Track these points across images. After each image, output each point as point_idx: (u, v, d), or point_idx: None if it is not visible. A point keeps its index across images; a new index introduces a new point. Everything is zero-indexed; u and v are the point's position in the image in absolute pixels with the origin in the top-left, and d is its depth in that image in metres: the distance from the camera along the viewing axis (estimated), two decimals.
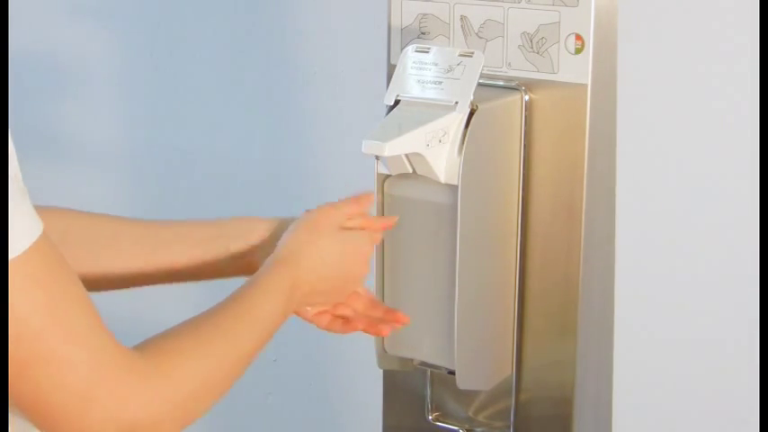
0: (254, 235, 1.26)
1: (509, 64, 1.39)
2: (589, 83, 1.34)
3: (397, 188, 1.37)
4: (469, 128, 1.31)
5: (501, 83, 1.39)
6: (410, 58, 1.35)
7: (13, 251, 0.86)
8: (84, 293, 0.93)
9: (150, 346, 0.99)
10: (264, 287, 1.14)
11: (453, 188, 1.32)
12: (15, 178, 0.88)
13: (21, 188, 0.88)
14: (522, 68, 1.38)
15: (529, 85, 1.38)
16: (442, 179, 1.32)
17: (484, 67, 1.32)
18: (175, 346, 1.01)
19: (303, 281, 1.17)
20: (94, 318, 0.93)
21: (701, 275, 1.84)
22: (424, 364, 1.45)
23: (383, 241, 1.38)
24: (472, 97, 1.30)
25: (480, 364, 1.42)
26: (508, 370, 1.45)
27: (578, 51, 1.34)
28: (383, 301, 1.40)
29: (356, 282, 1.23)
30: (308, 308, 1.24)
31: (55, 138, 2.39)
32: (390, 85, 1.36)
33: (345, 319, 1.25)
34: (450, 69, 1.32)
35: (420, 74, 1.34)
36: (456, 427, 1.53)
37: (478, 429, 1.52)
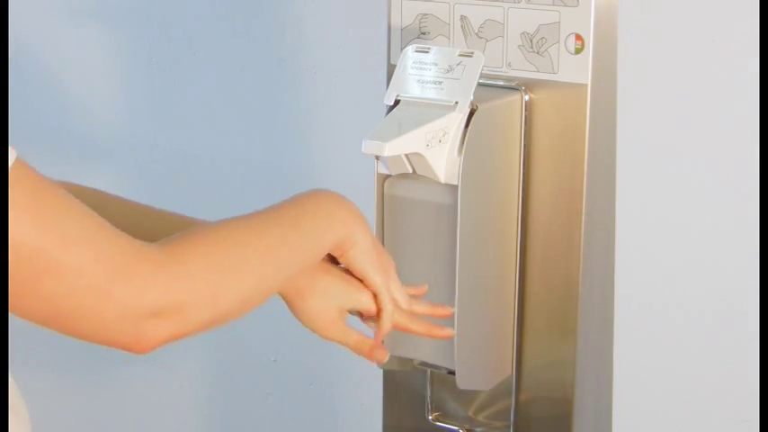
0: None
1: (509, 64, 1.39)
2: (589, 83, 1.34)
3: (397, 188, 1.37)
4: (469, 128, 1.31)
5: (501, 83, 1.39)
6: (410, 58, 1.35)
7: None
8: (76, 203, 0.92)
9: (165, 239, 0.98)
10: (307, 204, 1.12)
11: (453, 188, 1.32)
12: None
13: None
14: (522, 68, 1.38)
15: (529, 85, 1.38)
16: (442, 179, 1.32)
17: (484, 67, 1.32)
18: (193, 234, 1.00)
19: (353, 208, 1.14)
20: (93, 221, 0.92)
21: (701, 275, 1.84)
22: (424, 364, 1.45)
23: (383, 241, 1.38)
24: (472, 97, 1.30)
25: (480, 364, 1.42)
26: (508, 370, 1.45)
27: (578, 51, 1.34)
28: None
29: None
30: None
31: (55, 138, 2.39)
32: (390, 85, 1.36)
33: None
34: (450, 69, 1.32)
35: (420, 74, 1.34)
36: (456, 427, 1.53)
37: (478, 429, 1.52)
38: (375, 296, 1.18)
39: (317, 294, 1.18)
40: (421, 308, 1.23)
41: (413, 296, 1.23)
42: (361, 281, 1.18)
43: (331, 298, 1.18)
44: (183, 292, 0.95)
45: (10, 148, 0.88)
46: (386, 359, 1.22)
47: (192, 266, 0.96)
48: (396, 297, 1.19)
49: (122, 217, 1.24)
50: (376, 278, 1.17)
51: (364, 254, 1.15)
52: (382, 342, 1.22)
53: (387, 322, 1.19)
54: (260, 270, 1.03)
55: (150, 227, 1.22)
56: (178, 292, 0.94)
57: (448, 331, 1.26)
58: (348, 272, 1.18)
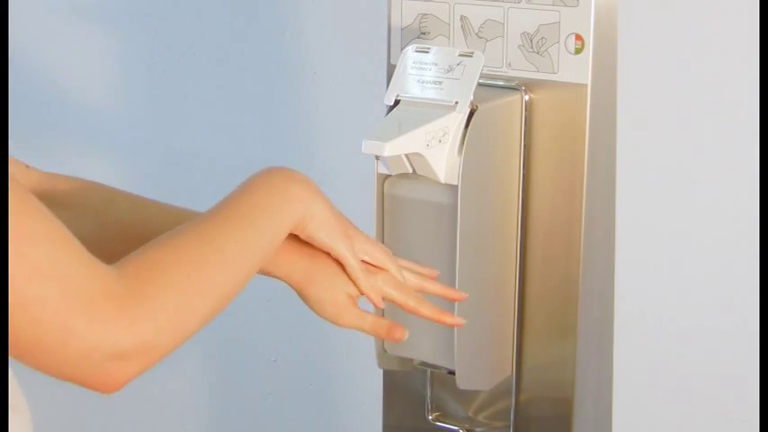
0: None
1: (509, 64, 1.39)
2: (589, 83, 1.34)
3: (397, 188, 1.37)
4: (469, 128, 1.31)
5: (501, 83, 1.39)
6: (410, 58, 1.35)
7: None
8: (48, 224, 0.90)
9: (128, 263, 0.95)
10: (258, 191, 1.09)
11: (453, 188, 1.32)
12: None
13: None
14: (522, 68, 1.38)
15: (529, 85, 1.38)
16: (442, 179, 1.32)
17: (484, 67, 1.32)
18: (153, 258, 0.96)
19: (305, 180, 1.11)
20: (63, 250, 0.90)
21: (701, 275, 1.84)
22: (424, 364, 1.45)
23: (383, 241, 1.38)
24: (472, 97, 1.30)
25: (480, 364, 1.42)
26: (508, 370, 1.45)
27: (578, 51, 1.34)
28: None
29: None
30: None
31: (54, 137, 2.39)
32: (390, 85, 1.36)
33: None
34: (450, 69, 1.32)
35: (420, 74, 1.34)
36: (456, 427, 1.53)
37: (478, 429, 1.52)
38: (342, 266, 1.15)
39: (323, 282, 1.15)
40: (433, 287, 1.21)
41: (425, 276, 1.21)
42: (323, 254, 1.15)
43: (336, 284, 1.15)
44: (149, 332, 0.92)
45: None
46: (405, 336, 1.18)
47: (157, 302, 0.94)
48: (372, 258, 1.16)
49: (131, 213, 1.24)
50: (338, 245, 1.13)
51: (323, 226, 1.12)
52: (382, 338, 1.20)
53: (361, 284, 1.15)
54: (223, 283, 1.01)
55: (158, 222, 1.22)
56: (146, 333, 0.92)
57: (457, 319, 1.23)
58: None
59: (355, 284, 1.16)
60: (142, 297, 0.93)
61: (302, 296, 1.16)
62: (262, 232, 1.07)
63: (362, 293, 1.16)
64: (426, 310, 1.19)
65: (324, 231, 1.12)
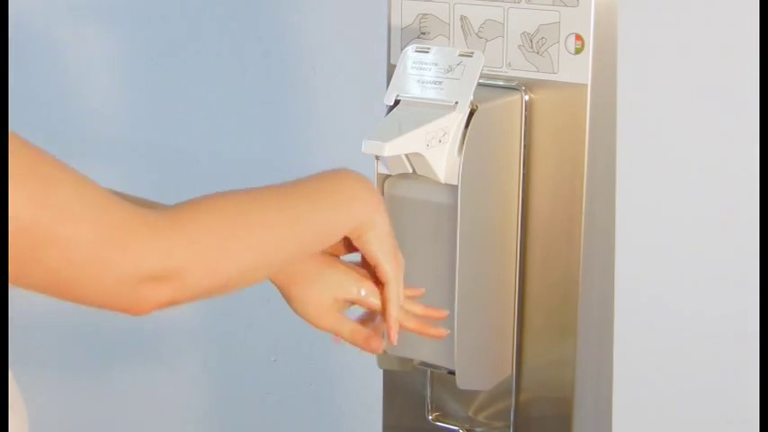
0: None
1: (509, 64, 1.39)
2: (589, 83, 1.34)
3: (397, 188, 1.37)
4: (469, 128, 1.31)
5: (501, 83, 1.39)
6: (410, 58, 1.35)
7: None
8: (71, 173, 0.91)
9: (172, 206, 0.97)
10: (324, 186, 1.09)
11: (453, 188, 1.32)
12: None
13: None
14: (522, 68, 1.38)
15: (529, 85, 1.38)
16: (442, 179, 1.32)
17: (484, 67, 1.32)
18: (198, 202, 0.98)
19: (374, 190, 1.11)
20: (89, 190, 0.91)
21: (701, 275, 1.84)
22: (424, 364, 1.45)
23: None
24: (472, 97, 1.30)
25: (480, 364, 1.42)
26: (508, 370, 1.45)
27: (578, 51, 1.34)
28: None
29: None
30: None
31: (54, 138, 2.38)
32: (390, 85, 1.36)
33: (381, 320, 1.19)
34: (450, 69, 1.32)
35: (420, 74, 1.34)
36: (456, 427, 1.53)
37: (478, 429, 1.52)
38: (383, 285, 1.15)
39: (311, 281, 1.15)
40: (417, 308, 1.22)
41: (409, 297, 1.22)
42: (369, 268, 1.15)
43: (326, 286, 1.15)
44: (182, 258, 0.93)
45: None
46: (381, 350, 1.19)
47: (193, 233, 0.95)
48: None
49: None
50: (387, 266, 1.14)
51: (381, 239, 1.12)
52: (384, 335, 1.19)
53: (394, 312, 1.16)
54: (266, 243, 1.01)
55: None
56: (176, 257, 0.93)
57: (441, 331, 1.23)
58: (346, 264, 1.16)
59: (387, 309, 1.16)
60: (179, 226, 0.94)
61: (285, 293, 1.16)
62: (320, 215, 1.07)
63: (390, 318, 1.17)
64: (411, 323, 1.20)
65: (378, 244, 1.12)
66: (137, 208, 0.93)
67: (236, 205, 1.00)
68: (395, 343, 1.19)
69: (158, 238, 0.92)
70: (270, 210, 1.02)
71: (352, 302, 1.18)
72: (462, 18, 1.41)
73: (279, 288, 1.17)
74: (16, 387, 1.04)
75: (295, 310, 1.17)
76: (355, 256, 1.17)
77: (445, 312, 1.26)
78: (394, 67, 1.37)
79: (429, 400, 1.53)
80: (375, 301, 1.17)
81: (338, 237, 1.10)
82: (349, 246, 1.15)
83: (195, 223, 0.95)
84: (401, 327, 1.19)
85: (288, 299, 1.17)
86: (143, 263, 0.91)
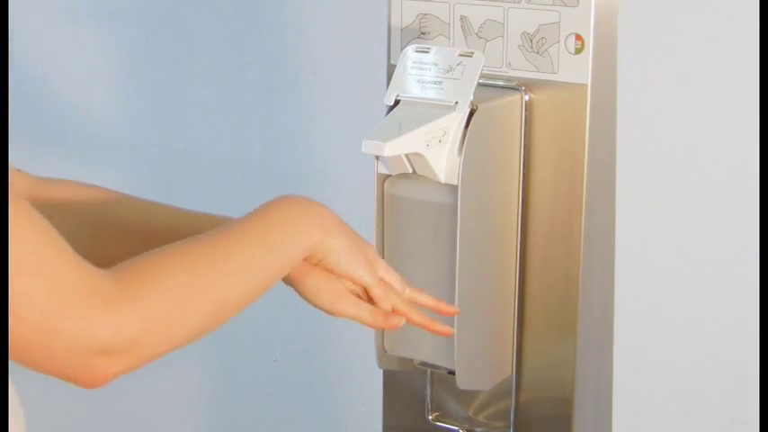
0: None
1: (509, 64, 1.39)
2: (589, 83, 1.34)
3: (397, 188, 1.37)
4: (469, 128, 1.31)
5: (501, 83, 1.39)
6: (410, 58, 1.35)
7: None
8: (37, 224, 0.89)
9: (123, 266, 0.94)
10: (268, 214, 1.07)
11: (453, 188, 1.32)
12: None
13: None
14: (522, 68, 1.38)
15: (529, 85, 1.38)
16: (442, 179, 1.32)
17: (484, 67, 1.32)
18: (150, 263, 0.95)
19: (323, 212, 1.09)
20: (51, 247, 0.89)
21: (701, 275, 1.84)
22: (424, 364, 1.45)
23: (383, 241, 1.38)
24: (472, 97, 1.30)
25: (480, 364, 1.42)
26: (508, 370, 1.45)
27: (578, 51, 1.34)
28: None
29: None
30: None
31: (54, 137, 2.39)
32: (390, 85, 1.36)
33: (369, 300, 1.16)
34: (450, 69, 1.32)
35: (420, 74, 1.34)
36: (456, 427, 1.53)
37: (478, 429, 1.52)
38: (366, 290, 1.14)
39: (321, 272, 1.13)
40: (425, 299, 1.20)
41: (417, 290, 1.20)
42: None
43: (333, 277, 1.14)
44: (136, 330, 0.91)
45: None
46: (402, 323, 1.17)
47: (146, 302, 0.92)
48: (387, 280, 1.16)
49: (125, 214, 1.23)
50: (360, 274, 1.12)
51: (342, 257, 1.11)
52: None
53: (384, 304, 1.15)
54: (220, 298, 1.00)
55: (154, 223, 1.22)
56: (131, 331, 0.91)
57: (447, 328, 1.22)
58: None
59: (378, 305, 1.15)
60: (131, 296, 0.92)
61: (297, 286, 1.14)
62: (270, 254, 1.05)
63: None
64: (416, 316, 1.18)
65: (344, 262, 1.11)
66: (92, 272, 0.90)
67: (186, 262, 0.98)
68: (400, 326, 1.18)
69: (111, 310, 0.90)
70: (220, 261, 1.00)
71: (365, 287, 1.16)
72: (462, 18, 1.41)
73: (290, 282, 1.14)
74: (14, 389, 1.04)
75: (309, 301, 1.15)
76: None
77: (456, 309, 1.25)
78: (394, 67, 1.37)
79: (429, 400, 1.53)
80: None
81: (294, 266, 1.09)
82: None
83: (149, 290, 0.93)
84: (407, 319, 1.18)
85: (300, 291, 1.14)
86: (95, 336, 0.89)
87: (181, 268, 0.97)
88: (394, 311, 1.17)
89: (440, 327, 1.21)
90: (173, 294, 0.95)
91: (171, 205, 1.26)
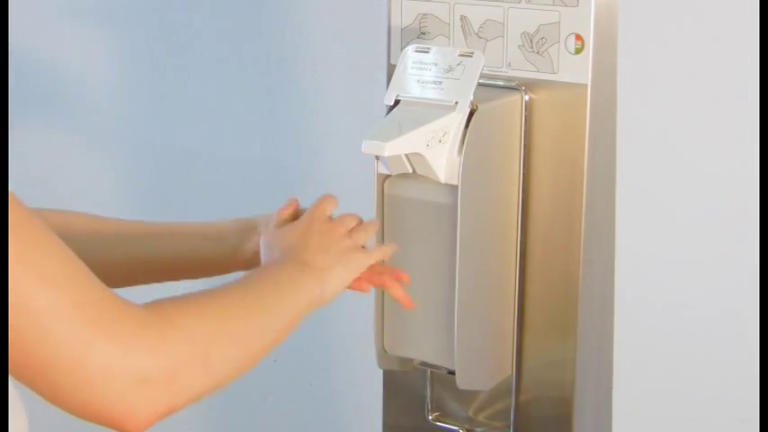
0: (252, 235, 1.26)
1: (509, 64, 1.39)
2: (589, 83, 1.34)
3: (397, 188, 1.37)
4: (469, 128, 1.31)
5: (501, 83, 1.39)
6: (410, 58, 1.35)
7: None
8: (61, 245, 0.85)
9: (151, 302, 0.92)
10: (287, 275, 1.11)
11: (453, 188, 1.32)
12: None
13: None
14: (522, 68, 1.38)
15: (529, 85, 1.38)
16: (442, 179, 1.32)
17: (484, 67, 1.32)
18: (177, 300, 0.93)
19: (308, 263, 1.13)
20: (77, 267, 0.85)
21: (701, 275, 1.84)
22: (424, 364, 1.45)
23: (383, 241, 1.38)
24: (472, 97, 1.30)
25: (480, 364, 1.42)
26: (508, 370, 1.45)
27: (578, 51, 1.34)
28: (383, 300, 1.40)
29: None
30: None
31: (55, 137, 2.39)
32: (390, 85, 1.36)
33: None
34: (450, 69, 1.32)
35: (420, 74, 1.34)
36: (456, 427, 1.53)
37: (478, 429, 1.52)
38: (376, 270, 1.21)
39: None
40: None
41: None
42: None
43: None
44: (173, 355, 0.87)
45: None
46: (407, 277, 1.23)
47: (180, 329, 0.89)
48: (362, 240, 1.21)
49: (119, 246, 1.24)
50: (360, 283, 1.20)
51: (342, 286, 1.16)
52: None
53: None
54: (247, 332, 1.00)
55: (116, 232, 1.22)
56: (167, 355, 0.87)
57: (407, 300, 1.25)
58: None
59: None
60: (167, 321, 0.88)
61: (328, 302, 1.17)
62: (282, 303, 1.08)
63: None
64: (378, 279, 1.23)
65: (345, 286, 1.17)
66: (121, 298, 0.87)
67: (214, 302, 0.98)
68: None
69: (146, 332, 0.86)
70: (241, 302, 1.01)
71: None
72: (462, 18, 1.41)
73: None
74: (15, 389, 1.04)
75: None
76: None
77: (410, 303, 1.27)
78: (394, 67, 1.37)
79: (429, 400, 1.53)
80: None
81: (301, 316, 1.11)
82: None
83: (182, 319, 0.90)
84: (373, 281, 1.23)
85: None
86: (130, 358, 0.84)
87: (209, 307, 0.96)
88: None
89: (397, 292, 1.24)
90: (205, 327, 0.93)
91: (164, 226, 1.27)
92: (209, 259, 1.26)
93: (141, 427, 0.87)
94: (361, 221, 1.23)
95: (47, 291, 0.83)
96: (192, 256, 1.26)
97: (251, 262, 1.24)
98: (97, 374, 0.84)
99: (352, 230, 1.21)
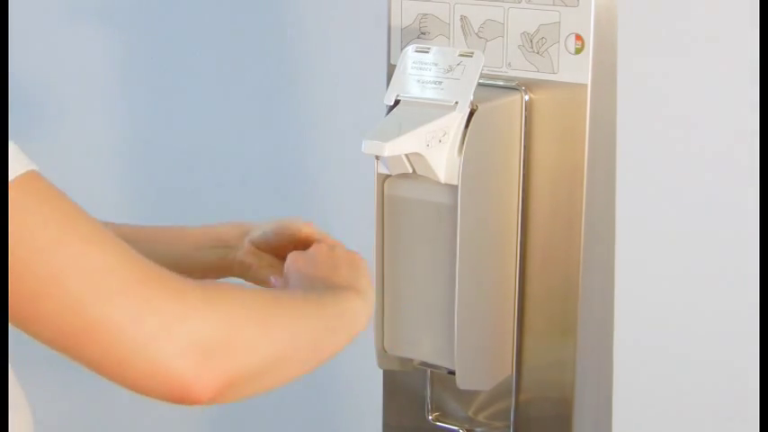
0: (247, 239, 1.26)
1: (509, 64, 1.39)
2: (589, 83, 1.34)
3: (397, 188, 1.37)
4: (469, 128, 1.31)
5: (501, 83, 1.39)
6: (410, 58, 1.35)
7: (12, 173, 0.81)
8: (106, 230, 0.84)
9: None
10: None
11: (453, 188, 1.32)
12: None
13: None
14: (522, 68, 1.38)
15: (529, 85, 1.38)
16: (442, 179, 1.32)
17: (484, 67, 1.32)
18: (225, 283, 0.92)
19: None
20: (121, 242, 0.84)
21: (700, 275, 1.84)
22: (424, 364, 1.45)
23: (383, 241, 1.38)
24: (472, 97, 1.30)
25: (480, 364, 1.42)
26: (508, 370, 1.45)
27: (578, 51, 1.34)
28: (383, 300, 1.40)
29: None
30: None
31: (54, 138, 2.38)
32: (390, 85, 1.36)
33: None
34: (450, 69, 1.32)
35: (420, 74, 1.34)
36: (456, 427, 1.53)
37: (478, 429, 1.52)
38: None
39: None
40: None
41: None
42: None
43: None
44: (230, 313, 0.86)
45: (31, 166, 0.83)
46: None
47: (233, 303, 0.88)
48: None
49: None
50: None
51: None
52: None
53: None
54: (295, 323, 0.98)
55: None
56: (225, 313, 0.86)
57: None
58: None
59: None
60: (219, 295, 0.88)
61: None
62: (327, 302, 1.07)
63: None
64: None
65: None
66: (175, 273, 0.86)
67: (262, 291, 1.00)
68: None
69: (202, 300, 0.85)
70: (289, 295, 1.03)
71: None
72: (462, 18, 1.41)
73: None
74: (20, 387, 1.04)
75: None
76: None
77: None
78: (394, 67, 1.37)
79: (429, 400, 1.53)
80: None
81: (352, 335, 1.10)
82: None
83: (233, 295, 0.89)
84: None
85: None
86: (187, 323, 0.82)
87: (257, 293, 0.96)
88: None
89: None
90: (257, 307, 0.92)
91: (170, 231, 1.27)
92: (211, 266, 1.26)
93: (206, 393, 0.84)
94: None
95: (101, 251, 0.82)
96: (192, 263, 1.26)
97: (244, 266, 1.24)
98: (157, 331, 0.82)
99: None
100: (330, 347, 1.04)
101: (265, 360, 0.91)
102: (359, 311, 1.09)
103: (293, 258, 1.16)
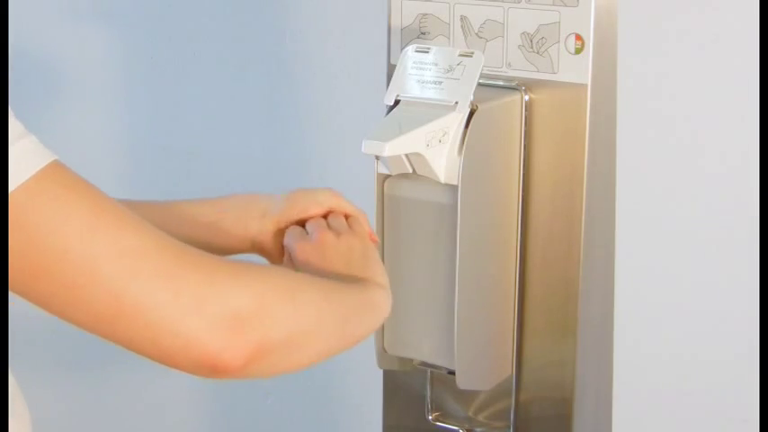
0: (257, 212, 1.25)
1: (509, 64, 1.39)
2: (589, 83, 1.34)
3: (397, 188, 1.37)
4: (469, 128, 1.31)
5: (501, 83, 1.39)
6: (410, 58, 1.35)
7: (29, 171, 0.82)
8: (133, 214, 0.86)
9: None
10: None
11: (453, 188, 1.32)
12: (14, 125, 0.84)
13: (21, 131, 0.84)
14: (522, 68, 1.38)
15: (529, 85, 1.38)
16: (442, 179, 1.32)
17: (484, 67, 1.32)
18: (252, 263, 0.94)
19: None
20: (148, 223, 0.86)
21: (700, 275, 1.84)
22: (424, 364, 1.45)
23: (383, 241, 1.38)
24: (472, 97, 1.30)
25: (480, 364, 1.42)
26: (508, 370, 1.45)
27: (578, 51, 1.34)
28: None
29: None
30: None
31: (54, 137, 2.38)
32: (390, 85, 1.36)
33: None
34: (450, 69, 1.32)
35: (420, 74, 1.34)
36: (456, 427, 1.53)
37: (478, 429, 1.52)
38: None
39: None
40: None
41: None
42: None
43: None
44: (261, 283, 0.89)
45: (54, 159, 0.84)
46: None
47: (261, 279, 0.90)
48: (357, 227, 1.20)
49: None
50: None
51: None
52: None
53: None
54: (322, 303, 0.99)
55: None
56: (255, 283, 0.89)
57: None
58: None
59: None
60: (249, 269, 0.90)
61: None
62: (350, 287, 1.07)
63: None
64: None
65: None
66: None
67: (279, 267, 1.01)
68: None
69: (233, 273, 0.88)
70: (315, 277, 1.03)
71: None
72: (462, 18, 1.41)
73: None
74: (18, 389, 1.04)
75: None
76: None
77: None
78: (394, 67, 1.37)
79: (429, 400, 1.53)
80: None
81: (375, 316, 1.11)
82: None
83: (261, 271, 0.92)
84: None
85: None
86: (220, 285, 0.85)
87: (284, 271, 0.99)
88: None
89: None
90: (285, 283, 0.94)
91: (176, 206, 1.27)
92: (222, 248, 1.25)
93: (235, 362, 0.87)
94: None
95: (134, 234, 0.84)
96: (205, 244, 1.25)
97: (256, 243, 1.23)
98: (190, 308, 0.84)
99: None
100: (358, 330, 1.05)
101: (292, 333, 0.93)
102: (383, 301, 1.10)
103: (300, 248, 1.15)
